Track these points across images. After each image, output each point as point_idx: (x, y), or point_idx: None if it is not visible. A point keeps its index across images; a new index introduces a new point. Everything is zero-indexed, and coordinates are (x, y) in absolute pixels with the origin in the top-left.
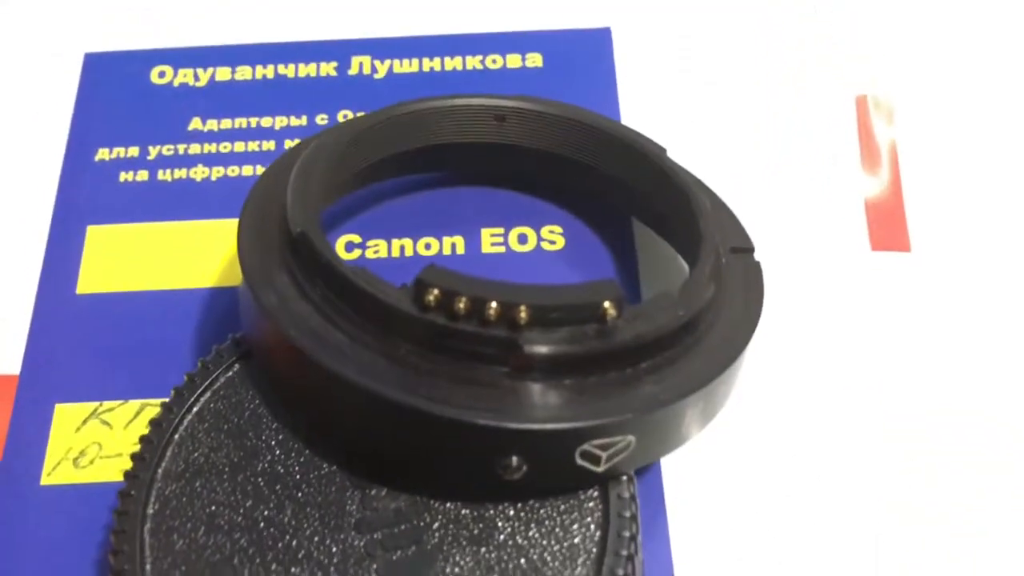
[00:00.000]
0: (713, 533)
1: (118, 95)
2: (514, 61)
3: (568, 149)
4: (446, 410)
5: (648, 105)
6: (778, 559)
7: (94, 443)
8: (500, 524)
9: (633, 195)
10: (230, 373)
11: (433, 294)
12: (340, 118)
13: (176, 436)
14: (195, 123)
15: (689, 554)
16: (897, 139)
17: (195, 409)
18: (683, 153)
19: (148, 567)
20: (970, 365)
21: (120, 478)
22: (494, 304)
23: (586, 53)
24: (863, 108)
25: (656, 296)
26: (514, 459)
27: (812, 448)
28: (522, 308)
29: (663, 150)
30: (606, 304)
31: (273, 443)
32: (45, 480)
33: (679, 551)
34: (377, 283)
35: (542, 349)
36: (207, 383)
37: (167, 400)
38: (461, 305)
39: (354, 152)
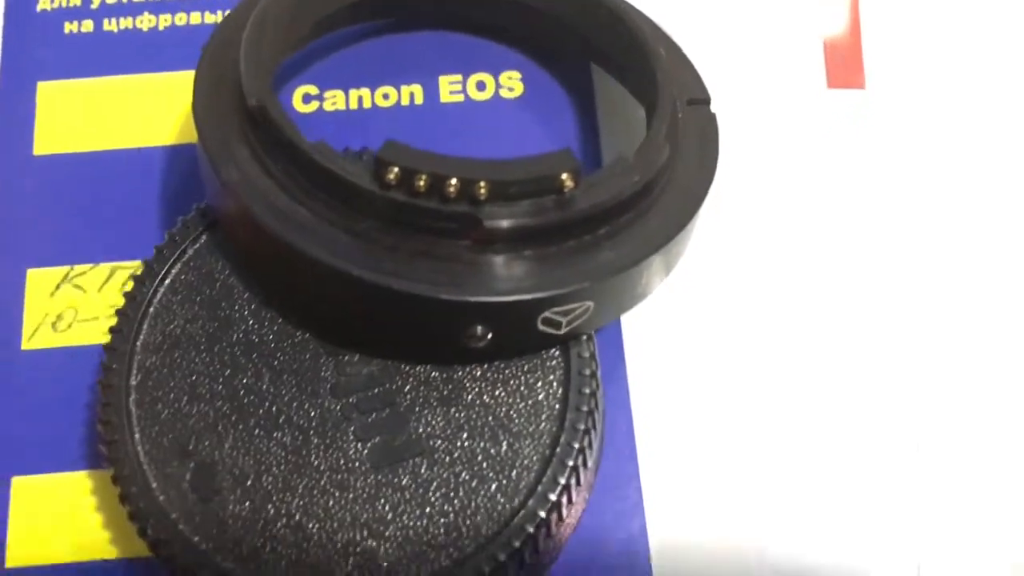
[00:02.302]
0: (671, 385)
1: None
2: None
3: None
4: (410, 286)
5: None
6: (734, 407)
7: (70, 307)
8: (468, 385)
9: (590, 42)
10: (198, 244)
11: (393, 172)
12: None
13: (151, 309)
14: None
15: (648, 405)
16: None
17: (167, 281)
18: None
19: (136, 435)
20: (922, 200)
21: (98, 340)
22: (453, 180)
23: None
24: None
25: (612, 163)
26: (478, 328)
27: (768, 293)
28: (481, 184)
29: (624, 1)
30: (563, 176)
31: (246, 312)
32: (26, 345)
33: (638, 403)
34: (337, 160)
35: (502, 223)
36: (176, 255)
37: (138, 273)
38: (421, 182)
39: (306, 5)
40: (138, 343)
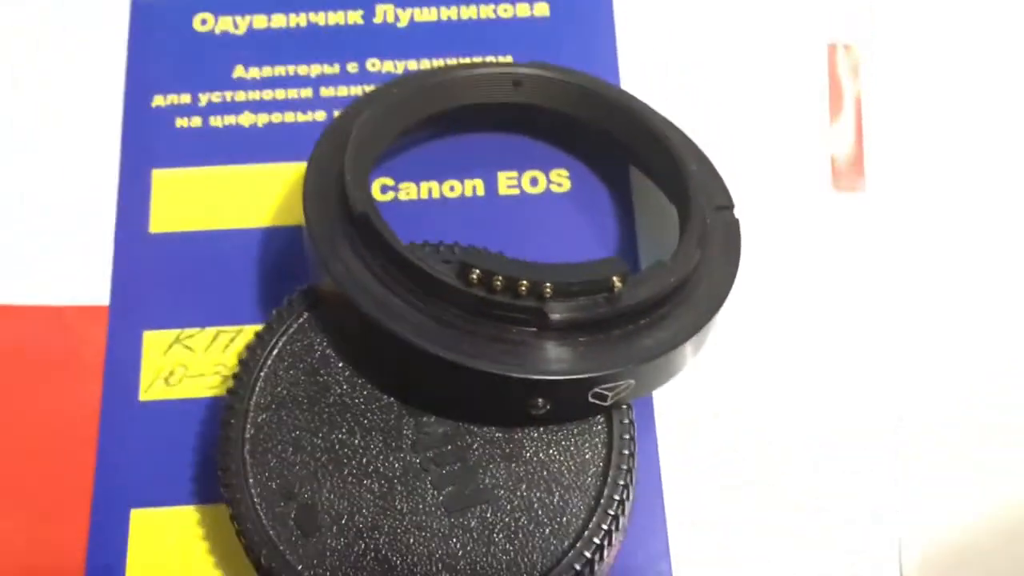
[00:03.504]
0: (695, 443)
1: (166, 43)
2: (523, 10)
3: (575, 109)
4: (486, 365)
5: (642, 55)
6: (749, 461)
7: (180, 365)
8: (527, 444)
9: (631, 151)
10: (301, 320)
11: (475, 273)
12: (368, 67)
13: (262, 374)
14: (239, 70)
15: (674, 460)
16: (862, 90)
17: (275, 352)
18: (671, 96)
19: (250, 480)
20: (916, 282)
21: (204, 394)
22: (524, 282)
23: (589, 2)
24: (833, 58)
25: (652, 266)
26: (539, 400)
27: (780, 362)
28: (547, 285)
29: (661, 117)
30: (614, 278)
31: (340, 379)
32: (143, 397)
33: (666, 459)
34: (427, 260)
35: (562, 315)
36: (283, 329)
37: (251, 343)
38: (498, 283)
39: (391, 121)
40: (251, 403)
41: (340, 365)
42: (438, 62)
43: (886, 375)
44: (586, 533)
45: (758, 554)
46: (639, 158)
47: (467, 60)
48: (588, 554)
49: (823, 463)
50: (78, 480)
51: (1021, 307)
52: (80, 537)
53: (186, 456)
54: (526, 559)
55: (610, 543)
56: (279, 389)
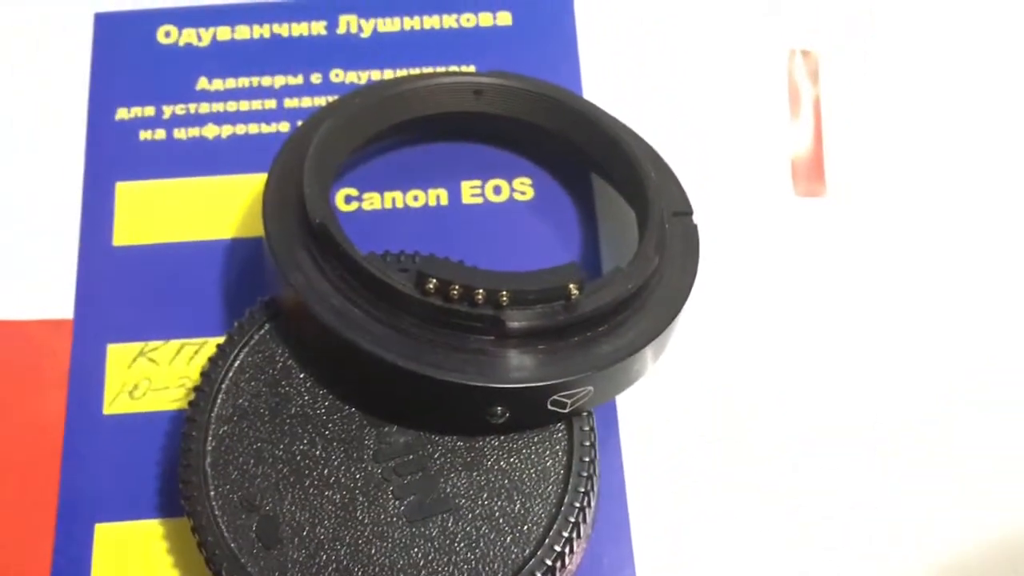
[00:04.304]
0: (658, 451)
1: (130, 55)
2: (486, 20)
3: (536, 118)
4: (444, 374)
5: (603, 62)
6: (714, 470)
7: (144, 378)
8: (487, 453)
9: (591, 158)
10: (262, 331)
11: (432, 283)
12: (332, 77)
13: (223, 386)
14: (202, 82)
15: (638, 469)
16: (821, 95)
17: (236, 363)
18: (632, 103)
19: (211, 492)
20: (876, 286)
21: (169, 407)
22: (481, 290)
23: (551, 11)
24: (791, 63)
25: (610, 273)
26: (498, 408)
27: (740, 370)
28: (504, 293)
29: (621, 124)
30: (571, 286)
31: (302, 390)
32: (107, 410)
33: (630, 467)
34: (386, 270)
35: (520, 323)
36: (244, 341)
37: (212, 355)
38: (455, 291)
39: (353, 131)
40: (212, 415)
41: (301, 376)
42: (402, 72)
43: (858, 375)
44: (547, 541)
45: (724, 558)
46: (600, 165)
47: (429, 70)
48: (549, 562)
49: (796, 465)
50: (42, 495)
51: (990, 303)
52: (45, 552)
53: (150, 470)
54: (487, 568)
55: (572, 550)
56: (240, 401)
